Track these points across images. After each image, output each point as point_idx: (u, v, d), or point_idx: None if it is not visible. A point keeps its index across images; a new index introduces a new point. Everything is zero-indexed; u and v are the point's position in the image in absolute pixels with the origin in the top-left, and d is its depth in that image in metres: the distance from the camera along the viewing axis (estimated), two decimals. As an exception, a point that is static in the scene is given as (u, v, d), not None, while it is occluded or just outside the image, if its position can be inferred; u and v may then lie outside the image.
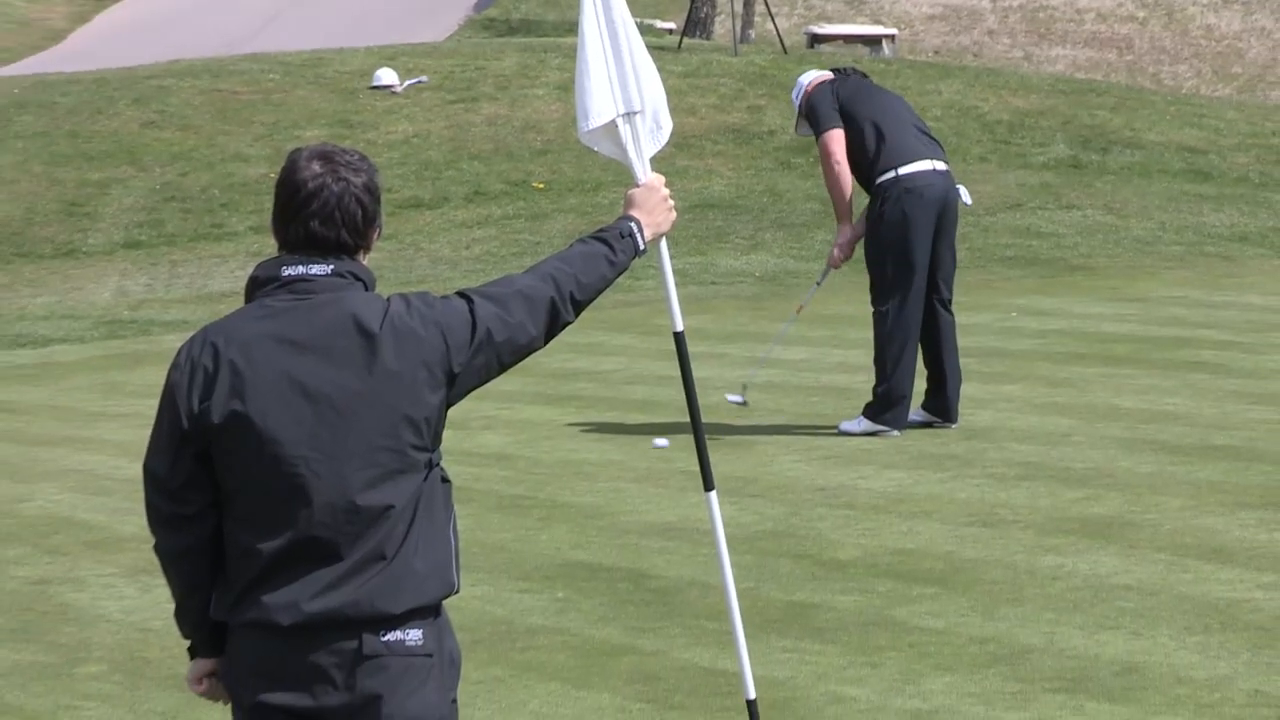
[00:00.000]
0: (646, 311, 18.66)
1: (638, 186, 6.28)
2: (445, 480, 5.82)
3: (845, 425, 13.72)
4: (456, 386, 5.76)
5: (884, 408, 13.55)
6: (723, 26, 36.08)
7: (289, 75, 31.43)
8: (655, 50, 36.00)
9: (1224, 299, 18.33)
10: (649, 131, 6.59)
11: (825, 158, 13.66)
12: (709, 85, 29.28)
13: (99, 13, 51.11)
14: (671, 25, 37.87)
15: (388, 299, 5.72)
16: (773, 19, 33.63)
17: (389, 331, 5.65)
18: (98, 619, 10.57)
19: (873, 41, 36.07)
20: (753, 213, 24.12)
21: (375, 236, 5.79)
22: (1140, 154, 26.42)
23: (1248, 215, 23.16)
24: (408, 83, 30.41)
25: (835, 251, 13.86)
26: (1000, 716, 8.88)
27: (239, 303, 5.78)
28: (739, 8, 34.85)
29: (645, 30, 38.40)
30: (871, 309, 13.63)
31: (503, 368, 5.83)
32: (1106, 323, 17.27)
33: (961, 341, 16.65)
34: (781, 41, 32.85)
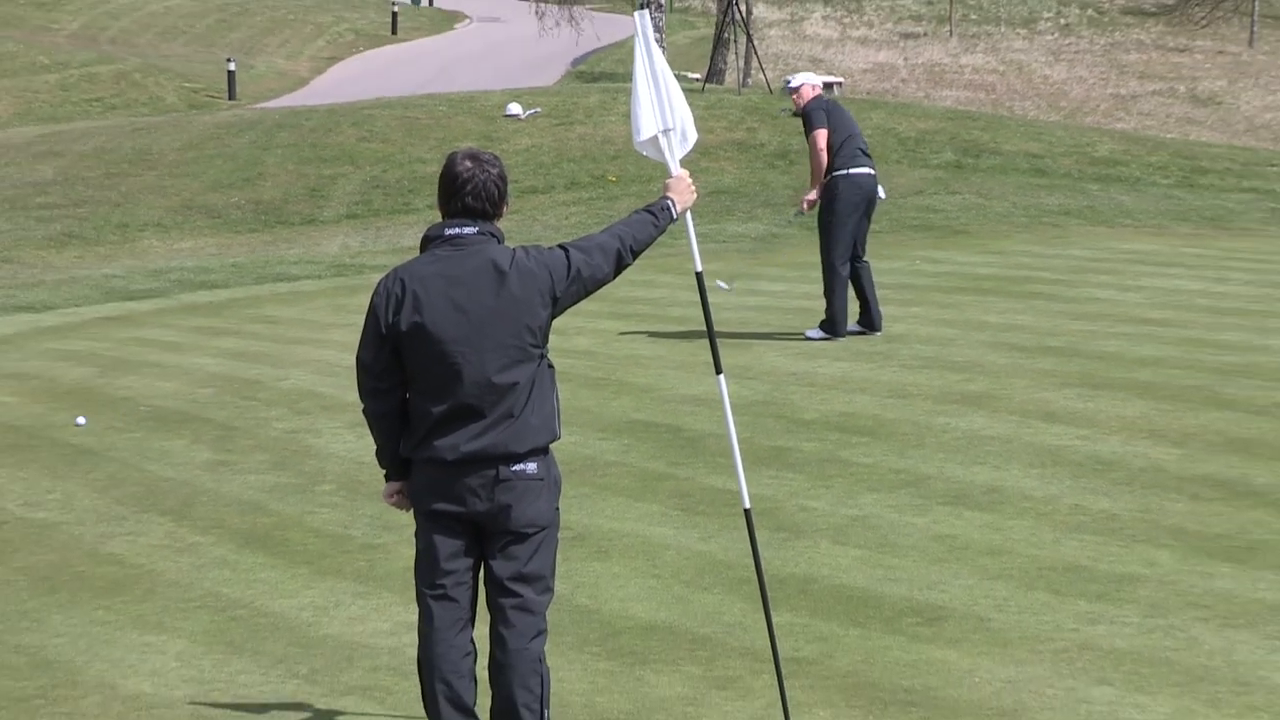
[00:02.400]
0: (680, 260, 18.62)
1: (672, 177, 6.23)
2: (551, 366, 5.84)
3: (809, 333, 13.70)
4: (558, 306, 5.79)
5: (831, 323, 13.55)
6: (730, 76, 35.96)
7: (452, 107, 31.40)
8: (686, 90, 35.64)
9: (1054, 252, 18.25)
10: (679, 141, 6.49)
11: (814, 146, 13.51)
12: (721, 113, 29.21)
13: (331, 67, 51.08)
14: (698, 75, 37.72)
15: (514, 249, 5.77)
16: (763, 71, 33.55)
17: (515, 270, 5.71)
18: (329, 455, 10.61)
19: (828, 86, 35.82)
20: (749, 197, 24.05)
21: (505, 209, 5.85)
22: (1000, 159, 26.29)
23: (1070, 198, 23.03)
24: (528, 112, 30.33)
25: (804, 202, 13.78)
26: (909, 520, 8.87)
27: (409, 261, 5.86)
28: (741, 64, 34.75)
29: (681, 78, 38.34)
30: (821, 259, 13.62)
31: (587, 294, 5.88)
32: (978, 267, 17.20)
33: (882, 279, 16.56)
34: (768, 86, 32.83)
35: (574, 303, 5.86)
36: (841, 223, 13.42)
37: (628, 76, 41.09)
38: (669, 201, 6.11)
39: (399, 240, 23.04)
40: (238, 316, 16.09)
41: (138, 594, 8.16)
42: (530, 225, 23.35)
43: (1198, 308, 14.53)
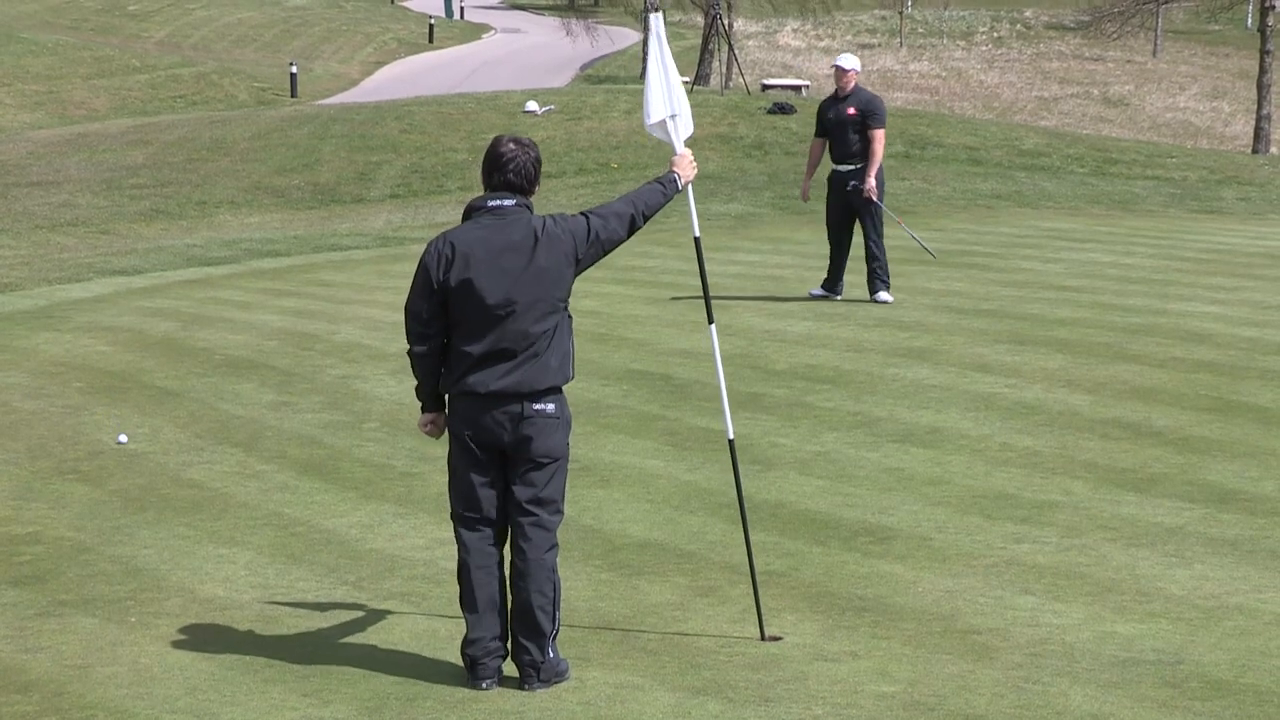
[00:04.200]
0: (672, 234, 18.54)
1: (676, 155, 6.21)
2: (570, 317, 5.82)
3: (884, 297, 13.05)
4: (580, 265, 5.79)
5: (886, 278, 13.17)
6: (715, 79, 35.75)
7: (480, 105, 31.23)
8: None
9: (987, 229, 18.15)
10: (684, 125, 6.47)
11: (883, 141, 12.97)
12: (706, 111, 29.03)
13: (377, 70, 50.83)
14: (687, 78, 37.49)
15: (544, 218, 5.77)
16: (742, 75, 33.36)
17: (546, 237, 5.71)
18: (374, 398, 10.56)
19: (796, 89, 35.63)
20: (730, 182, 23.92)
21: (537, 187, 5.85)
22: (942, 150, 26.16)
23: (1001, 184, 22.93)
24: (544, 109, 30.16)
25: (873, 192, 12.92)
26: (863, 455, 8.83)
27: (455, 228, 5.83)
28: (724, 69, 34.55)
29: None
30: (874, 236, 13.08)
31: (605, 253, 5.91)
32: (922, 241, 17.10)
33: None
34: (746, 88, 32.63)
35: (594, 261, 5.84)
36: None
37: (629, 79, 41.17)
38: (675, 175, 6.10)
39: (434, 217, 22.92)
40: (298, 280, 16.01)
41: (213, 513, 8.13)
42: (544, 205, 23.21)
43: (1108, 277, 14.47)
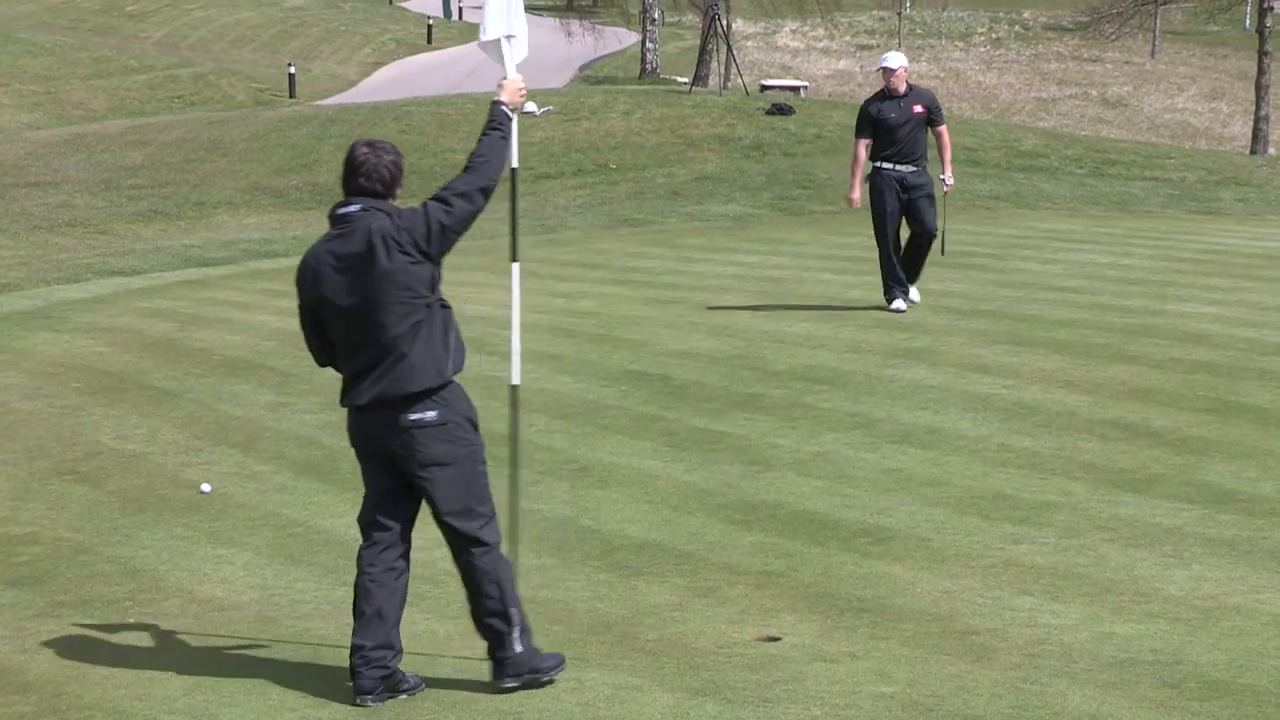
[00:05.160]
0: (670, 235, 18.54)
1: (507, 80, 5.96)
2: (445, 307, 5.67)
3: (915, 297, 12.69)
4: (434, 256, 5.60)
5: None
6: (714, 80, 35.78)
7: (478, 105, 31.21)
8: (675, 92, 35.60)
9: (986, 230, 18.15)
10: (519, 48, 6.25)
11: (948, 135, 12.64)
12: (705, 111, 29.03)
13: (376, 71, 50.84)
14: (686, 79, 37.51)
15: (388, 218, 5.57)
16: (741, 76, 33.35)
17: (382, 241, 5.55)
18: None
19: (795, 89, 35.64)
20: (728, 182, 23.93)
21: (399, 190, 5.67)
22: (941, 151, 26.17)
23: (1000, 185, 22.93)
24: (542, 110, 30.13)
25: (948, 185, 12.65)
26: (862, 456, 8.83)
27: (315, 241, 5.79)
28: (722, 70, 34.57)
29: (670, 81, 38.17)
30: (936, 232, 12.60)
31: (462, 232, 5.65)
32: (922, 243, 17.13)
33: (842, 253, 16.52)
34: (745, 88, 32.63)
35: (455, 241, 5.63)
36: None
37: (627, 80, 41.15)
38: (502, 107, 5.82)
39: (433, 217, 22.94)
40: (296, 281, 15.99)
41: (211, 514, 8.13)
42: (543, 206, 23.25)
43: (1106, 278, 14.48)
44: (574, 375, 10.91)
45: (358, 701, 5.69)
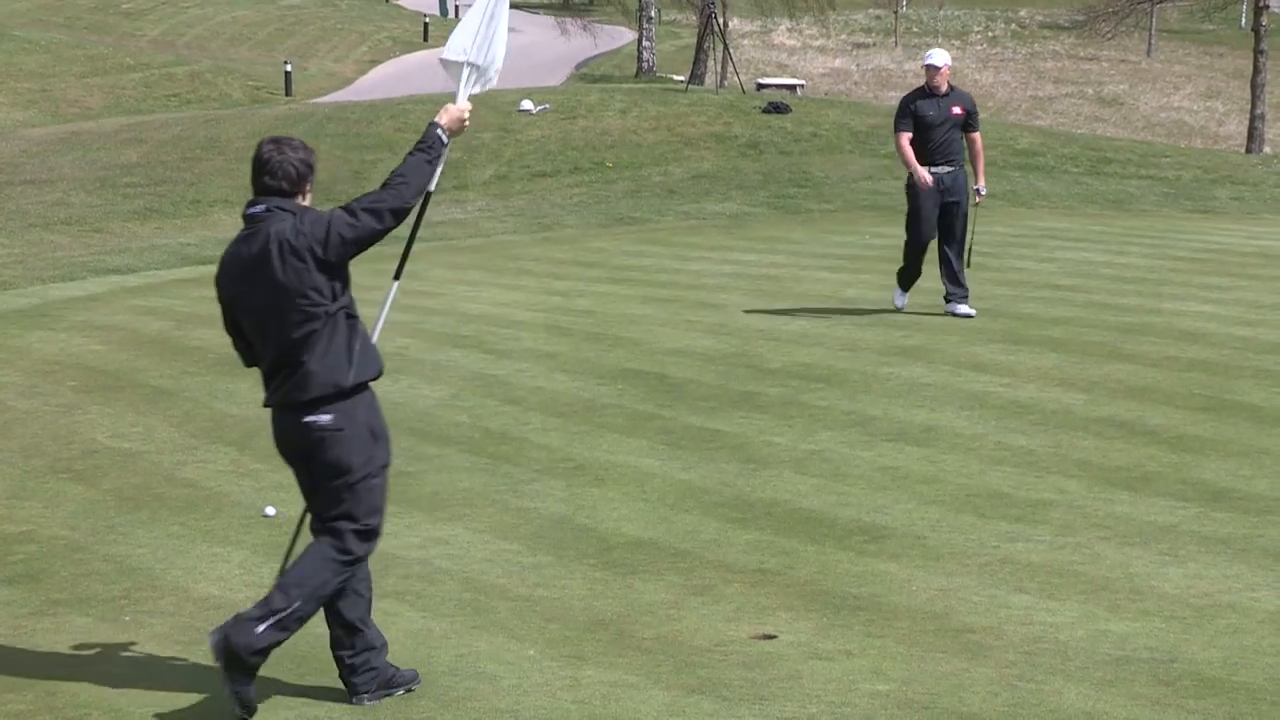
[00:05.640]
0: (667, 234, 18.55)
1: (454, 105, 5.83)
2: (350, 316, 5.55)
3: (966, 309, 12.30)
4: (332, 264, 5.46)
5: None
6: (710, 78, 35.79)
7: (475, 103, 30.99)
8: (671, 90, 35.58)
9: (982, 229, 17.87)
10: (479, 81, 6.05)
11: (982, 144, 12.35)
12: (701, 110, 29.04)
13: (372, 69, 50.82)
14: (682, 77, 37.51)
15: (292, 221, 5.47)
16: (737, 74, 33.38)
17: (278, 245, 5.46)
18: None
19: (791, 88, 35.64)
20: (725, 180, 23.93)
21: (307, 189, 5.56)
22: (938, 150, 26.17)
23: (996, 183, 22.92)
24: (539, 108, 30.16)
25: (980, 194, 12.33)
26: (858, 454, 8.84)
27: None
28: (719, 68, 34.60)
29: (666, 80, 38.16)
30: (966, 240, 12.35)
31: (365, 248, 5.49)
32: (918, 242, 17.15)
33: (836, 251, 16.54)
34: (741, 87, 32.65)
35: (351, 256, 5.47)
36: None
37: (624, 78, 41.16)
38: (438, 130, 5.70)
39: (428, 215, 22.92)
40: (292, 279, 15.98)
41: (207, 512, 8.13)
42: (539, 204, 23.23)
43: (1102, 276, 14.49)
44: (570, 373, 10.92)
45: (354, 701, 5.69)
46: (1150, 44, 55.84)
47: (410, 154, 5.64)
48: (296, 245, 5.42)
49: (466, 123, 5.80)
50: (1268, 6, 33.81)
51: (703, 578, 6.95)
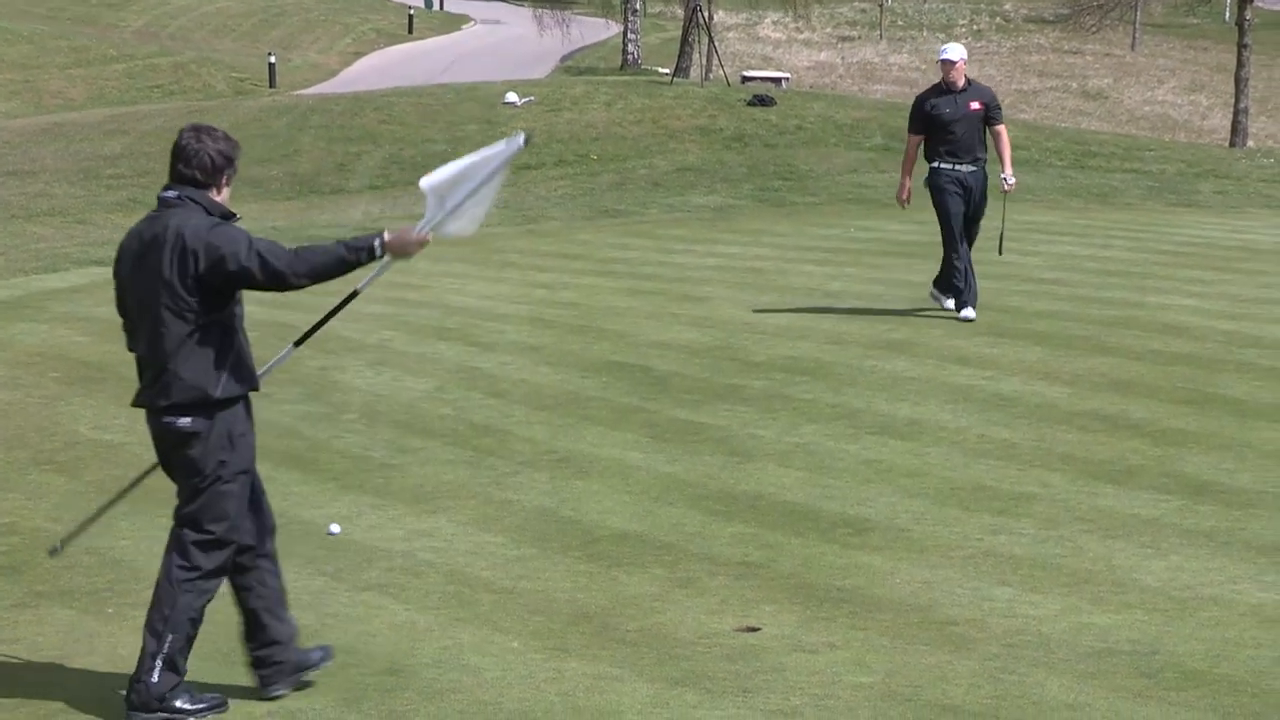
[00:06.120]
0: (651, 226, 18.54)
1: (412, 230, 5.49)
2: (227, 329, 5.43)
3: (967, 314, 11.85)
4: (204, 281, 5.32)
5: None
6: (695, 71, 35.77)
7: (458, 95, 31.18)
8: (656, 83, 35.42)
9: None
10: (446, 224, 5.66)
11: (1007, 136, 11.98)
12: (687, 103, 29.03)
13: (356, 60, 50.70)
14: (667, 70, 37.47)
15: (203, 221, 5.35)
16: (722, 67, 33.37)
17: (178, 241, 5.34)
18: (352, 389, 10.50)
19: (776, 80, 35.63)
20: (709, 173, 23.92)
21: (224, 181, 5.45)
22: (922, 143, 26.16)
23: (980, 177, 22.97)
24: (524, 100, 30.12)
25: (1009, 186, 11.97)
26: (842, 447, 8.84)
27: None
28: (704, 61, 34.60)
29: (651, 72, 38.11)
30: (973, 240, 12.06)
31: (235, 284, 5.34)
32: (902, 234, 17.15)
33: (822, 244, 16.54)
34: (727, 80, 32.64)
35: (226, 285, 5.32)
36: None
37: (609, 70, 41.11)
38: (376, 241, 5.39)
39: (413, 208, 22.86)
40: (276, 271, 15.95)
41: (190, 505, 8.10)
42: (524, 196, 23.22)
43: (1086, 269, 14.52)
44: (555, 366, 10.91)
45: (266, 693, 5.61)
46: (1135, 38, 55.94)
47: (339, 244, 5.42)
48: (191, 246, 5.31)
49: (413, 253, 5.47)
50: (1251, 0, 33.87)
51: (687, 570, 6.96)
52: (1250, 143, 34.15)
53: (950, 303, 12.17)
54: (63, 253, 17.74)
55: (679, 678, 5.79)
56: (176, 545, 5.51)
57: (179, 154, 5.45)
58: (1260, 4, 47.73)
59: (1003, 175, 12.01)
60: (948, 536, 7.32)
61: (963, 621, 6.28)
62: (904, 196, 12.10)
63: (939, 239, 12.16)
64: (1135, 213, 19.71)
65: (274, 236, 20.76)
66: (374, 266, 5.56)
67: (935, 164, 11.84)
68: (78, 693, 5.78)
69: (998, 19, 62.42)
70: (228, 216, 5.49)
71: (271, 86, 43.13)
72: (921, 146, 11.97)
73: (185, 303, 5.34)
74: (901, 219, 18.65)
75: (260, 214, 23.10)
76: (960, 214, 11.84)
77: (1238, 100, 33.64)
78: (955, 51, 11.89)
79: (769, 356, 11.04)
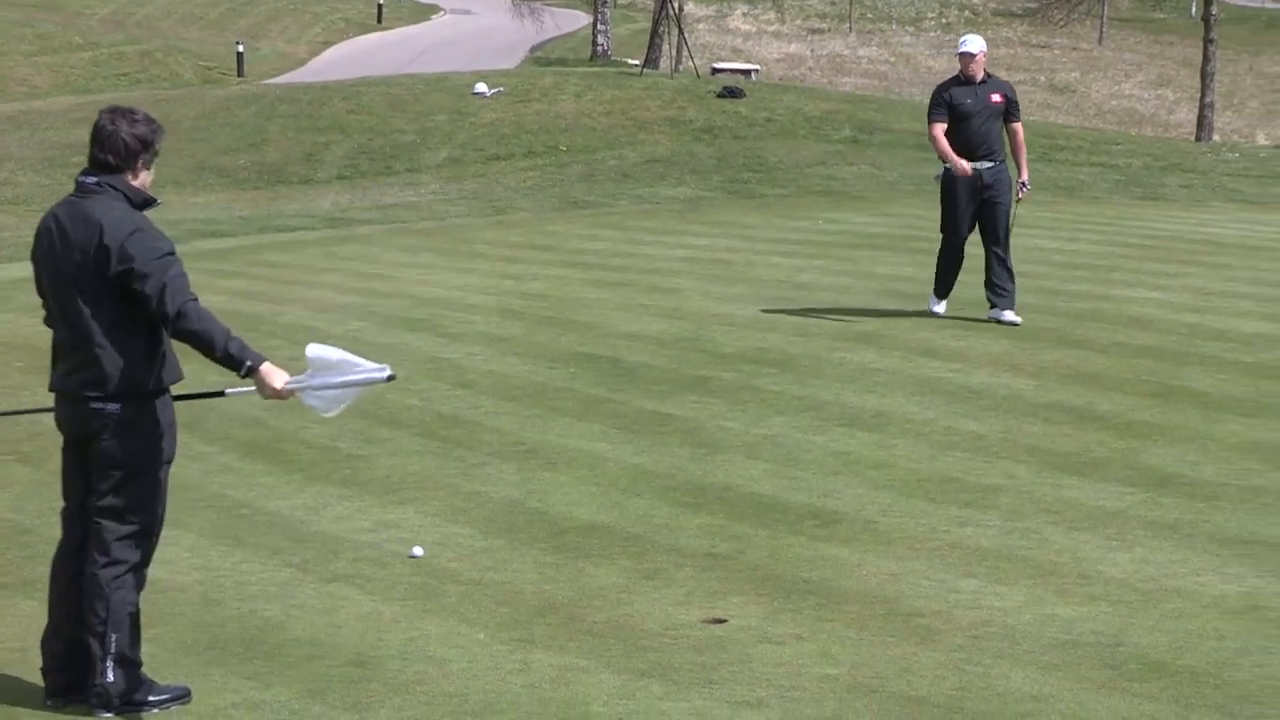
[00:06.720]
0: (620, 217, 18.52)
1: (284, 382, 5.36)
2: (152, 325, 5.25)
3: (1012, 317, 11.44)
4: (113, 278, 5.19)
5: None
6: (665, 63, 35.74)
7: (428, 86, 31.08)
8: (626, 74, 35.43)
9: (935, 215, 18.14)
10: (308, 396, 5.48)
11: (1023, 135, 11.68)
12: (656, 94, 29.01)
13: (325, 50, 50.46)
14: (637, 61, 37.39)
15: (127, 216, 5.24)
16: (692, 59, 33.32)
17: (96, 234, 5.22)
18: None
19: (746, 72, 35.62)
20: (679, 165, 23.92)
21: (141, 166, 5.30)
22: (891, 136, 26.24)
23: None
24: (493, 91, 30.04)
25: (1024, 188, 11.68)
26: (810, 439, 8.85)
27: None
28: (674, 53, 34.56)
29: (621, 63, 38.04)
30: (1009, 237, 11.68)
31: (133, 298, 5.17)
32: (871, 226, 17.20)
33: (790, 237, 16.56)
34: (696, 71, 32.61)
35: (132, 289, 5.15)
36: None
37: (579, 61, 41.02)
38: (250, 363, 5.29)
39: (381, 198, 22.80)
40: (243, 261, 15.89)
41: (155, 495, 8.05)
42: (493, 187, 23.17)
43: (1053, 262, 14.57)
44: (523, 357, 10.89)
45: (47, 701, 5.45)
46: (1102, 32, 56.16)
47: (231, 335, 5.30)
48: (107, 242, 5.18)
49: (281, 395, 5.36)
50: (1218, -4, 34.04)
51: (654, 562, 6.95)
52: (1216, 137, 34.33)
53: (939, 306, 11.76)
54: (27, 241, 17.56)
55: (645, 669, 5.79)
56: (98, 544, 5.33)
57: (94, 137, 5.30)
58: (1226, -1, 48.00)
59: (1020, 180, 11.64)
60: (914, 528, 7.33)
61: (929, 613, 6.30)
62: (965, 165, 11.34)
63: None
64: (1102, 206, 19.80)
65: (241, 227, 20.70)
66: (239, 381, 5.44)
67: (950, 161, 11.43)
68: (40, 684, 5.73)
69: (966, 12, 62.58)
70: (148, 202, 5.38)
71: (239, 76, 42.90)
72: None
73: (102, 294, 5.22)
74: (871, 211, 18.69)
75: (228, 203, 23.00)
76: (968, 214, 11.42)
77: (1203, 95, 33.81)
78: (975, 44, 11.49)
79: (737, 348, 11.04)
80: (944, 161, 11.48)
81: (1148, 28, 61.24)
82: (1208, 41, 33.67)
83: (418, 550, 7.04)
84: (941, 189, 11.62)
